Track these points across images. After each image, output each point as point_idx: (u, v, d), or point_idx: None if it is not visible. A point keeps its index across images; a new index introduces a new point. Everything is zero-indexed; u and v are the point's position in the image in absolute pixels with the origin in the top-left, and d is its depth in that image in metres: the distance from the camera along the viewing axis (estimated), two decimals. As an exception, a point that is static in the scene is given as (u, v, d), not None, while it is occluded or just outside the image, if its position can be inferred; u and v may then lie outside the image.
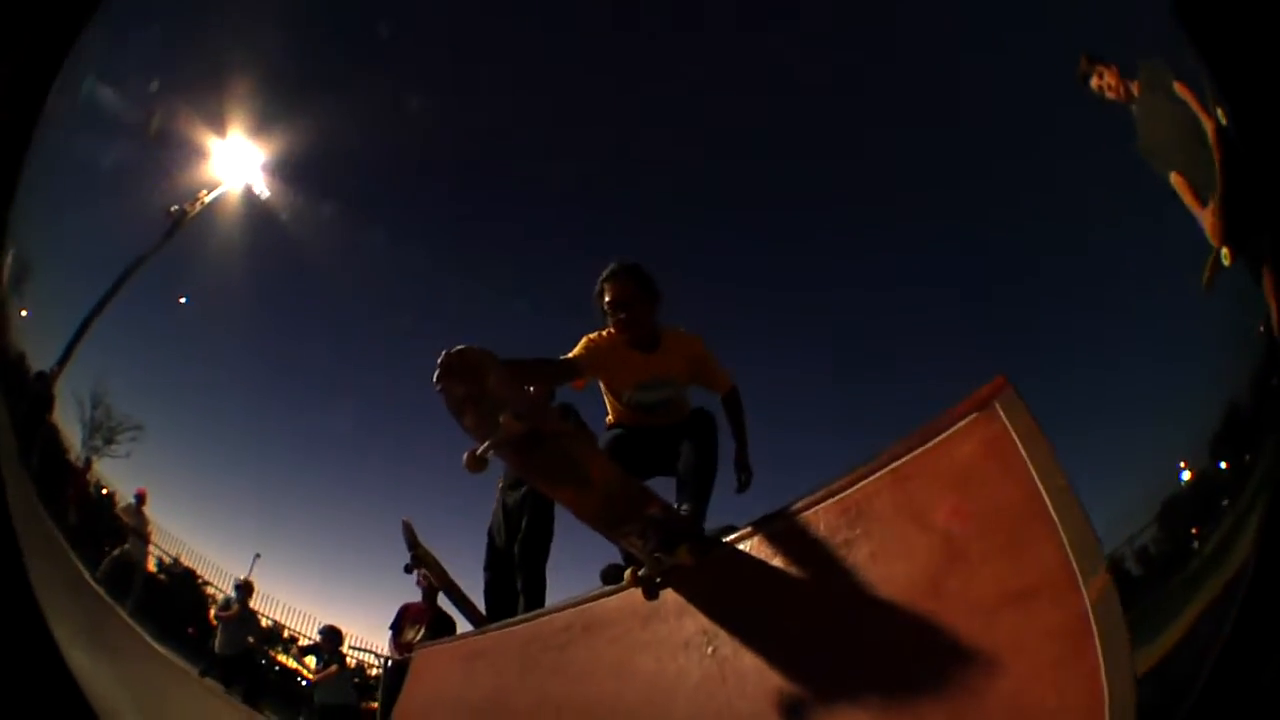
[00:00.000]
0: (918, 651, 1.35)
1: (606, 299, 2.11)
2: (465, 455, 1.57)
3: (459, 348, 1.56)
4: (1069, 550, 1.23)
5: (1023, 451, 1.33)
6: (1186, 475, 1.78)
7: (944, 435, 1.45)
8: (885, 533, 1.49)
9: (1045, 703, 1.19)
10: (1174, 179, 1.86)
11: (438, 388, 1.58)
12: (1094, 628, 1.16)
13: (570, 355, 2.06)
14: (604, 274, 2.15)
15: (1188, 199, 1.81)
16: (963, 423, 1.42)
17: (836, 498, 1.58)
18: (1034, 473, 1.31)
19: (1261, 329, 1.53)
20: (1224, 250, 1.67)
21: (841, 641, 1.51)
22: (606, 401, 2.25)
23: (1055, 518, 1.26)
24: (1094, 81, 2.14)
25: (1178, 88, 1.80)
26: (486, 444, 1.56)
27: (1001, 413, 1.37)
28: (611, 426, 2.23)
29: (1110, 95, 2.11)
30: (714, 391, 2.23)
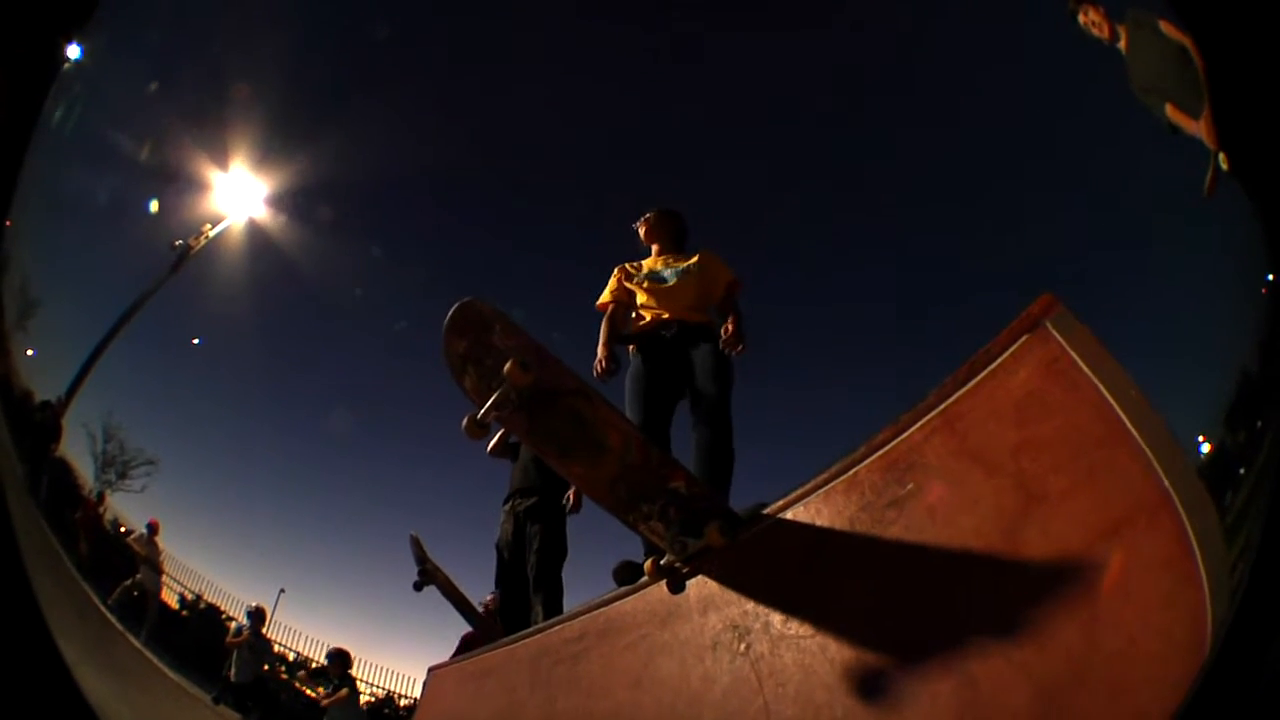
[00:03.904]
0: (998, 619, 1.13)
1: (645, 216, 2.85)
2: (465, 419, 1.47)
3: (463, 300, 1.51)
4: (1156, 466, 1.05)
5: (1085, 369, 1.18)
6: (1206, 448, 1.67)
7: (993, 365, 1.29)
8: (943, 484, 1.30)
9: (1153, 649, 0.97)
10: (1169, 110, 1.91)
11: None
12: (1195, 550, 0.98)
13: (607, 290, 2.70)
14: None
15: (1183, 122, 1.83)
16: (1013, 348, 1.27)
17: (880, 453, 1.40)
18: (1103, 389, 1.15)
19: (1264, 290, 1.46)
20: (1221, 155, 1.62)
21: (903, 620, 1.28)
22: (635, 312, 2.64)
23: (1135, 433, 1.09)
24: (1081, 18, 2.26)
25: (1162, 24, 1.85)
26: (489, 403, 1.45)
27: (1055, 332, 1.23)
28: (634, 347, 2.52)
29: (1095, 32, 2.25)
30: (720, 286, 2.62)
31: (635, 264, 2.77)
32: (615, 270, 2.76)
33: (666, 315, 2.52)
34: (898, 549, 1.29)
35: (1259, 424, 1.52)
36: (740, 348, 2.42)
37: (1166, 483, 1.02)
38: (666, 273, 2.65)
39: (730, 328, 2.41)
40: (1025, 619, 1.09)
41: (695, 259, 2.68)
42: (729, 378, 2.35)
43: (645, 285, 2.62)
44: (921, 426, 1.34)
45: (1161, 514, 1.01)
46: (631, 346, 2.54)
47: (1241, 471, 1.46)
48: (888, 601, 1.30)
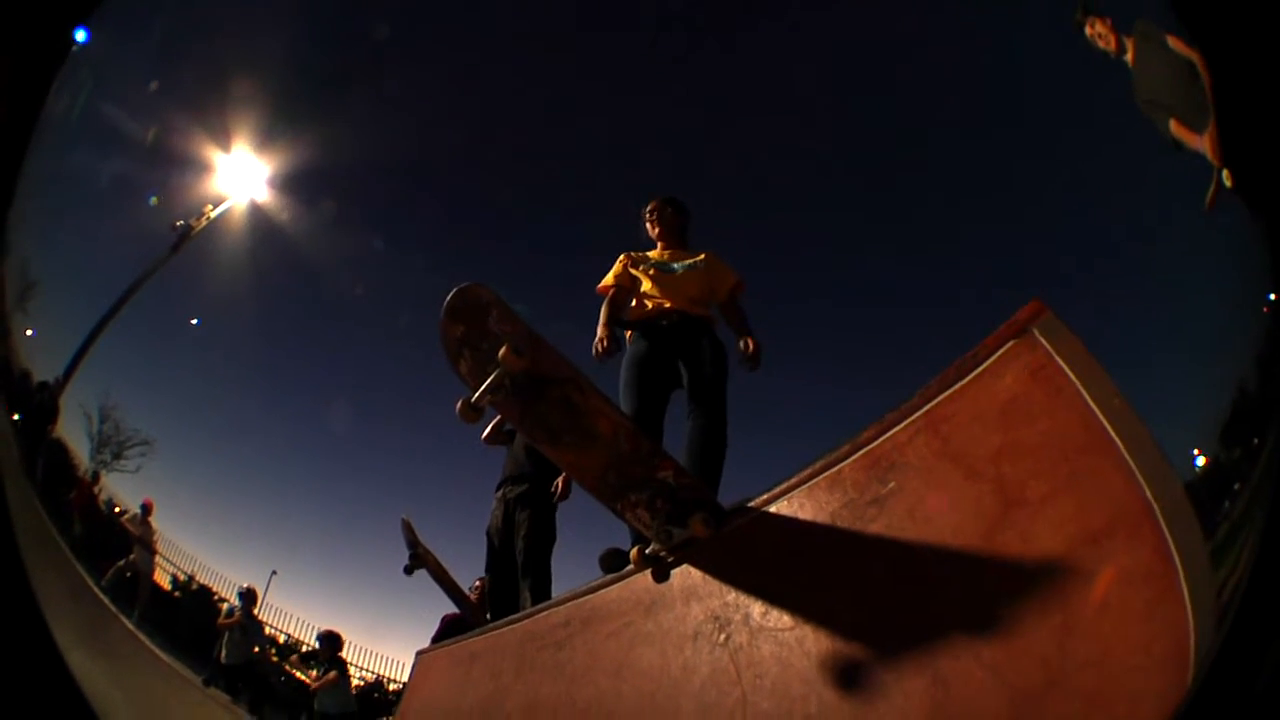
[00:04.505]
0: (973, 621, 1.14)
1: (647, 208, 2.88)
2: (459, 402, 1.49)
3: (462, 285, 1.52)
4: (1139, 477, 1.06)
5: (1071, 376, 1.18)
6: (1201, 462, 1.69)
7: (980, 369, 1.30)
8: (924, 485, 1.31)
9: (1131, 661, 0.98)
10: (1173, 126, 1.92)
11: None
12: (1177, 563, 0.98)
13: (611, 274, 2.71)
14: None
15: (1186, 138, 1.85)
16: (999, 352, 1.28)
17: (863, 451, 1.42)
18: (1087, 397, 1.16)
19: (1266, 309, 1.46)
20: (1225, 172, 1.63)
21: (880, 618, 1.30)
22: (634, 301, 2.64)
23: (1118, 442, 1.09)
24: (1087, 30, 2.27)
25: (1170, 40, 1.86)
26: (483, 387, 1.47)
27: (1042, 338, 1.24)
28: (632, 333, 2.55)
29: (1102, 45, 2.25)
30: (724, 286, 2.66)
31: (640, 253, 2.80)
32: (621, 256, 2.78)
33: (669, 305, 2.54)
34: (877, 546, 1.30)
35: (1255, 441, 1.52)
36: (757, 366, 2.52)
37: (1149, 493, 1.03)
38: (674, 264, 2.69)
39: (751, 346, 2.51)
40: (999, 622, 1.09)
41: (701, 256, 2.72)
42: (726, 370, 2.39)
43: (651, 273, 2.65)
44: (905, 427, 1.35)
45: (1143, 525, 1.01)
46: (629, 333, 2.56)
47: (1236, 488, 1.46)
48: (865, 598, 1.32)
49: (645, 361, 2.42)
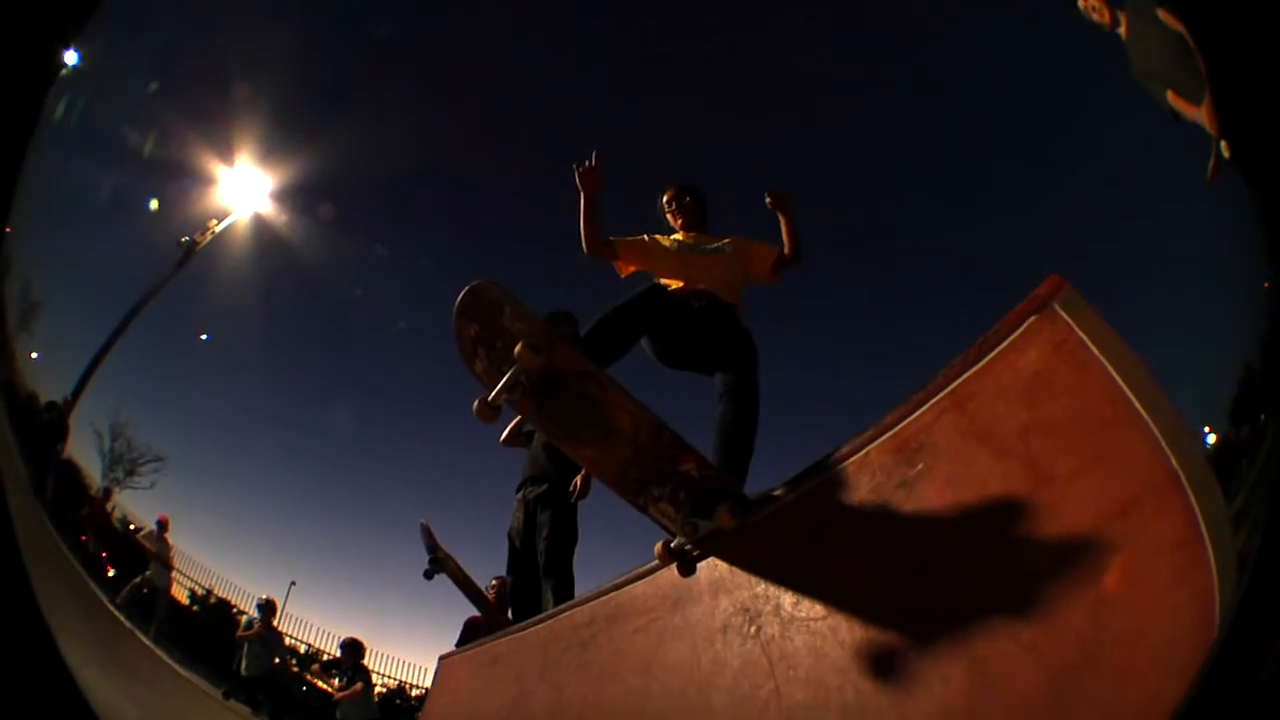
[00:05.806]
0: (1008, 602, 1.13)
1: (665, 198, 2.74)
2: (476, 402, 1.48)
3: (474, 283, 1.52)
4: (1165, 447, 1.05)
5: (1094, 349, 1.17)
6: (1211, 439, 1.62)
7: (1002, 346, 1.29)
8: (952, 465, 1.29)
9: (1163, 632, 0.97)
10: (1170, 97, 1.91)
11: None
12: (1204, 532, 0.97)
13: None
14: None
15: (1184, 109, 1.84)
16: (1021, 329, 1.27)
17: (889, 434, 1.41)
18: (1111, 370, 1.15)
19: (1266, 284, 1.43)
20: (1223, 142, 1.62)
21: (913, 602, 1.28)
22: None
23: (1144, 414, 1.09)
24: (1081, 3, 2.27)
25: (1161, 12, 1.86)
26: (500, 385, 1.46)
27: (1063, 312, 1.23)
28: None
29: (1095, 17, 2.25)
30: (766, 261, 2.55)
31: (662, 235, 2.66)
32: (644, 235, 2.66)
33: (701, 286, 2.40)
34: (907, 530, 1.29)
35: (1262, 418, 1.50)
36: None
37: (1175, 463, 1.02)
38: (701, 246, 2.57)
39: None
40: (1034, 601, 1.08)
41: (727, 240, 2.60)
42: (755, 355, 2.28)
43: (676, 250, 2.54)
44: (931, 407, 1.34)
45: (1170, 495, 1.01)
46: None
47: (1244, 464, 1.47)
48: (898, 583, 1.31)
49: (655, 304, 2.19)
